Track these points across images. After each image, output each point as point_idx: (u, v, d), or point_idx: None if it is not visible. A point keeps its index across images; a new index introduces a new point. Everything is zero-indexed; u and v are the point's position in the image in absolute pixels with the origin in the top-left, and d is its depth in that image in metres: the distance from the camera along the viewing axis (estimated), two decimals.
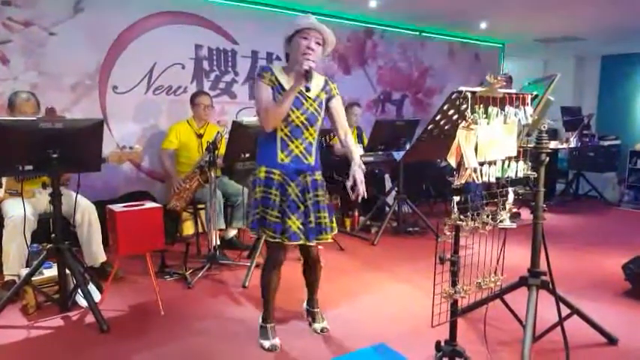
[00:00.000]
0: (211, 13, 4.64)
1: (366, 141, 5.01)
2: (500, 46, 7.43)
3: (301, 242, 2.26)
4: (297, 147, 2.26)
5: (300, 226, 2.24)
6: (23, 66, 3.80)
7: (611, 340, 2.44)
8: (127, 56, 4.23)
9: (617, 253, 3.82)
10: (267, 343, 2.36)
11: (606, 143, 7.42)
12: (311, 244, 2.29)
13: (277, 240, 2.23)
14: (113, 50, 4.17)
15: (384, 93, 6.22)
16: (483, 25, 5.95)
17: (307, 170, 2.29)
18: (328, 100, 2.35)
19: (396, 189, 4.62)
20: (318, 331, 2.53)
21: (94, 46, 4.07)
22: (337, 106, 2.38)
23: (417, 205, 4.68)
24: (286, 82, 2.25)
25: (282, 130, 2.23)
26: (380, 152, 4.65)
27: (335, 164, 4.93)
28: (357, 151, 2.40)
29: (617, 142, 7.62)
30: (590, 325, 2.44)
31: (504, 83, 5.08)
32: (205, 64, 4.68)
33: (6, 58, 3.74)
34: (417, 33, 6.38)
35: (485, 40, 7.10)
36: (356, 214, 4.76)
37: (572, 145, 6.18)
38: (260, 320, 2.45)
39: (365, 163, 4.75)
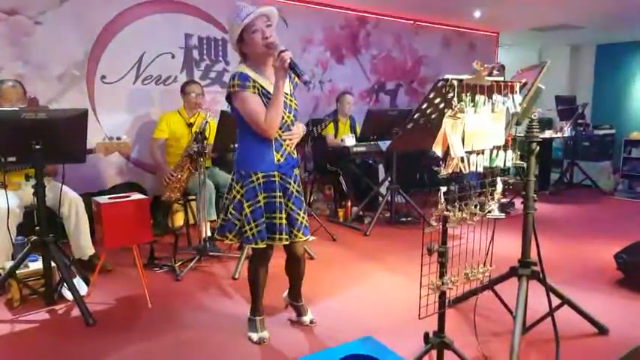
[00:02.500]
0: (201, 1, 4.56)
1: (359, 131, 4.97)
2: (495, 34, 7.36)
3: (309, 238, 2.28)
4: (288, 145, 2.23)
5: (307, 218, 2.27)
6: (8, 56, 3.73)
7: (602, 330, 2.43)
8: (116, 45, 4.15)
9: (611, 242, 3.80)
10: (255, 336, 2.34)
11: (601, 132, 7.41)
12: (312, 237, 2.31)
13: (286, 242, 2.21)
14: (101, 39, 4.09)
15: (378, 82, 6.17)
16: (477, 14, 5.88)
17: (296, 164, 2.31)
18: (295, 87, 2.30)
19: (389, 179, 4.59)
20: (308, 323, 2.50)
21: (82, 35, 4.00)
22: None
23: (411, 195, 4.66)
24: (264, 83, 2.14)
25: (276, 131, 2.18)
26: (372, 142, 4.61)
27: (328, 155, 4.89)
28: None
29: (612, 131, 7.61)
30: (581, 315, 2.43)
31: (497, 72, 4.99)
32: (195, 54, 4.61)
33: None
34: (411, 22, 6.30)
35: (480, 28, 7.03)
36: (349, 204, 4.73)
37: (567, 134, 6.15)
38: (248, 313, 2.42)
39: (357, 154, 4.77)
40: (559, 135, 6.19)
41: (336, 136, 4.91)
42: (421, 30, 6.45)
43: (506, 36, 7.46)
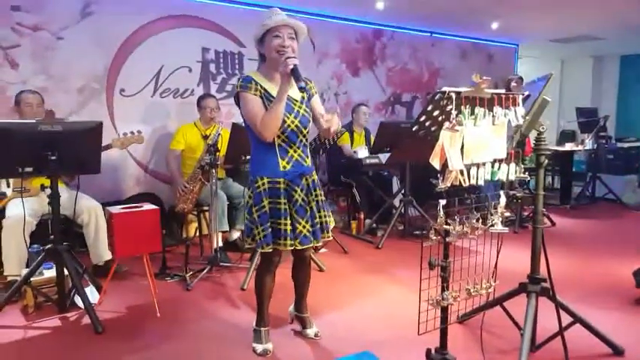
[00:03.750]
0: (218, 16, 4.66)
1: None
2: (514, 46, 7.29)
3: (311, 245, 2.27)
4: (295, 152, 2.22)
5: (310, 229, 2.24)
6: (32, 70, 3.88)
7: (617, 351, 2.33)
8: (134, 59, 4.27)
9: (632, 258, 3.67)
10: (259, 348, 2.33)
11: (626, 145, 7.20)
12: (318, 244, 2.31)
13: (290, 248, 2.20)
14: (120, 54, 4.22)
15: (394, 94, 6.16)
16: (495, 26, 5.84)
17: (307, 172, 2.27)
18: (309, 99, 2.30)
19: (402, 191, 4.55)
20: (312, 336, 2.48)
21: (102, 50, 4.13)
22: (316, 102, 2.33)
23: (426, 208, 4.60)
24: (270, 87, 2.18)
25: (278, 137, 2.17)
26: (374, 155, 4.63)
27: (342, 166, 4.90)
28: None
29: (638, 144, 7.39)
30: (594, 334, 2.34)
31: (514, 84, 4.88)
32: (212, 67, 4.71)
33: (15, 62, 3.82)
34: (428, 34, 6.30)
35: (499, 40, 6.97)
36: (362, 216, 4.71)
37: (588, 147, 6.00)
38: (254, 324, 2.42)
39: (369, 165, 4.75)
40: (580, 148, 6.04)
41: (351, 146, 4.92)
42: (438, 42, 6.43)
43: (527, 47, 7.37)
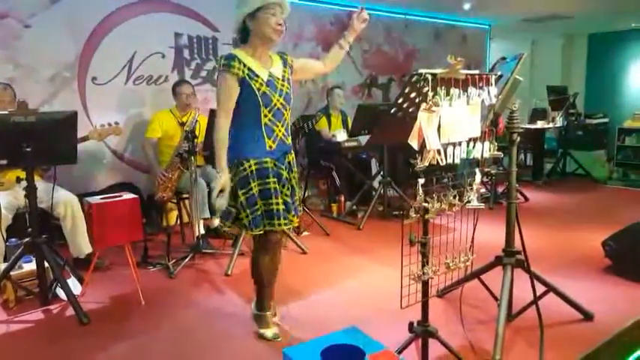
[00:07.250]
0: (191, 0, 4.57)
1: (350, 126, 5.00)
2: (487, 27, 7.38)
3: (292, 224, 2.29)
4: (279, 130, 2.20)
5: (293, 205, 2.27)
6: None
7: (587, 316, 2.47)
8: (106, 46, 4.17)
9: (602, 230, 3.81)
10: (269, 333, 2.32)
11: (594, 121, 7.43)
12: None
13: (286, 227, 2.21)
14: (91, 41, 4.11)
15: (370, 77, 6.19)
16: (467, 6, 5.90)
17: (289, 151, 2.28)
18: (292, 71, 2.33)
19: (381, 173, 4.62)
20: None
21: (72, 37, 4.01)
22: (301, 61, 2.41)
23: (404, 188, 4.69)
24: (256, 66, 2.15)
25: (265, 116, 2.14)
26: (354, 137, 4.69)
27: (321, 150, 4.93)
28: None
29: (606, 119, 7.64)
30: (565, 301, 2.47)
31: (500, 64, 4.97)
32: (186, 53, 4.63)
33: None
34: (402, 15, 6.32)
35: (472, 20, 7.05)
36: (342, 199, 4.76)
37: (558, 124, 6.17)
38: (254, 308, 2.40)
39: (349, 148, 4.79)
40: (551, 125, 6.21)
41: (329, 130, 4.95)
42: (412, 24, 6.46)
43: (499, 28, 7.47)
